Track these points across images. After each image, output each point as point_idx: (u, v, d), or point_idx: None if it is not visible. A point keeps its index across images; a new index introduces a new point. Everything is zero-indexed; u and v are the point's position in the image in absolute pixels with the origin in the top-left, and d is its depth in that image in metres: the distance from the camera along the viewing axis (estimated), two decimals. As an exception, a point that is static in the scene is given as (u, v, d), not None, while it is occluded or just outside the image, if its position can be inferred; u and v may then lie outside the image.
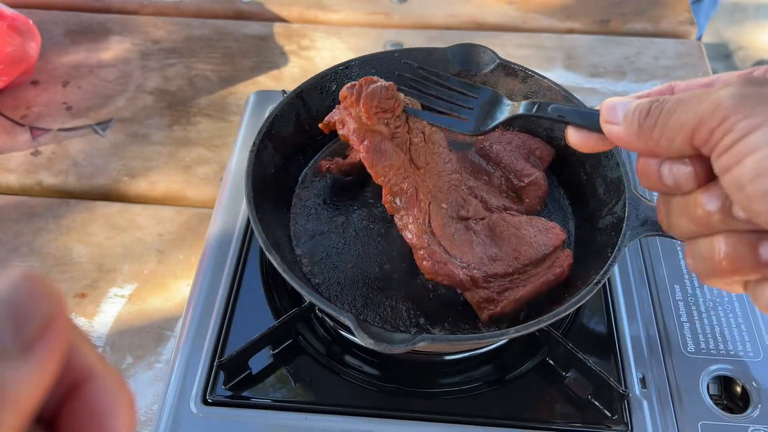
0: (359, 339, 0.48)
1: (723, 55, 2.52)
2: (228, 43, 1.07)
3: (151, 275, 0.78)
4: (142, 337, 0.72)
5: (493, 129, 0.53)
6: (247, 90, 0.98)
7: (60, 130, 0.93)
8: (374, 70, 0.71)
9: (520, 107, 0.51)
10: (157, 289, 0.76)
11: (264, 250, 0.53)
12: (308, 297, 0.51)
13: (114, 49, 1.05)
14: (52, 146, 0.91)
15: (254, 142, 0.60)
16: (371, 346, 0.48)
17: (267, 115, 0.79)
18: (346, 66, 0.70)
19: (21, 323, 0.19)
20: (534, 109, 0.49)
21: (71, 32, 1.07)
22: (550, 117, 0.47)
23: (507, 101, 0.54)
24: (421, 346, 0.48)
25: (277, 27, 1.10)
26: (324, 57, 1.04)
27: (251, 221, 0.54)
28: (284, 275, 0.51)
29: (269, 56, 1.05)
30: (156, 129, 0.94)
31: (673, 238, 0.56)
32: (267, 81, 1.01)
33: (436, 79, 0.59)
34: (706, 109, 0.33)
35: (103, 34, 1.07)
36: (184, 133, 0.93)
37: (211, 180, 0.87)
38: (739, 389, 0.60)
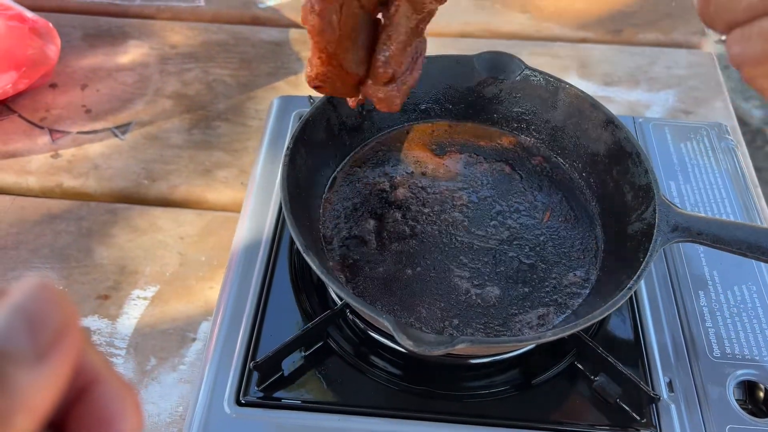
0: (399, 341, 0.49)
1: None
2: (245, 48, 1.07)
3: (173, 277, 0.78)
4: (165, 339, 0.72)
5: None
6: (265, 95, 0.99)
7: (79, 132, 0.93)
8: (402, 77, 0.72)
9: None
10: (179, 291, 0.76)
11: (302, 253, 0.53)
12: (348, 300, 0.51)
13: (132, 53, 1.06)
14: (72, 149, 0.91)
15: (288, 146, 0.61)
16: (411, 348, 0.49)
17: (292, 119, 0.80)
18: (376, 72, 0.70)
19: (37, 330, 0.20)
20: None
21: (89, 36, 1.08)
22: None
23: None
24: (460, 348, 0.49)
25: (293, 33, 1.10)
26: (341, 63, 1.05)
27: (288, 224, 0.55)
28: (323, 277, 0.52)
29: (286, 62, 1.05)
30: (175, 133, 0.94)
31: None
32: (285, 86, 1.01)
33: None
34: None
35: (121, 38, 1.08)
36: (204, 137, 0.94)
37: (231, 183, 0.88)
38: (762, 394, 0.61)
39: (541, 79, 0.71)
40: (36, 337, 0.20)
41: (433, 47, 1.08)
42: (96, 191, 0.87)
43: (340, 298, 0.62)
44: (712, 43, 1.12)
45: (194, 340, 0.72)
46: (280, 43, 1.09)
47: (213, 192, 0.87)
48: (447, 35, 1.11)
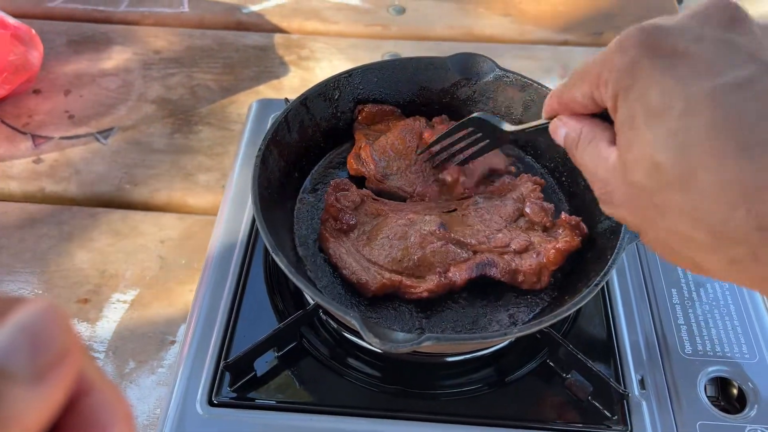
0: (365, 338, 0.49)
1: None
2: (229, 53, 1.08)
3: (153, 281, 0.78)
4: (144, 342, 0.73)
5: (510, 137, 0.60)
6: (247, 99, 0.99)
7: (62, 138, 0.94)
8: (376, 79, 0.72)
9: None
10: (159, 295, 0.77)
11: (270, 251, 0.54)
12: (314, 298, 0.52)
13: (115, 59, 1.06)
14: (54, 154, 0.92)
15: (260, 148, 0.61)
16: (377, 346, 0.49)
17: (270, 122, 0.81)
18: (349, 74, 0.71)
19: (38, 351, 0.20)
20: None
21: (73, 42, 1.08)
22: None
23: (495, 119, 0.61)
24: (426, 345, 0.49)
25: (277, 38, 1.11)
26: (323, 67, 1.05)
27: (257, 223, 0.55)
28: (290, 276, 0.52)
29: (269, 66, 1.06)
30: (157, 137, 0.95)
31: None
32: (267, 90, 1.02)
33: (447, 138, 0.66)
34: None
35: (105, 43, 1.09)
36: (186, 142, 0.94)
37: (212, 187, 0.88)
38: (735, 391, 0.62)
39: (513, 80, 0.71)
40: (36, 358, 0.20)
41: (416, 51, 1.09)
42: (78, 196, 0.88)
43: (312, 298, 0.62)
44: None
45: (173, 343, 0.72)
46: (264, 48, 1.09)
47: (194, 196, 0.87)
48: (430, 39, 1.12)
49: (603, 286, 0.67)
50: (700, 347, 0.63)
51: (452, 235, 0.62)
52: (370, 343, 0.49)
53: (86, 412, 0.22)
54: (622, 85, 0.37)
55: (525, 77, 0.71)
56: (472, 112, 0.74)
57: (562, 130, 0.45)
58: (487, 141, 0.62)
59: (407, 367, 0.63)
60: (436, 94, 0.75)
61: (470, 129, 0.62)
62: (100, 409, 0.22)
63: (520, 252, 0.61)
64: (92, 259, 0.80)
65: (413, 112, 0.75)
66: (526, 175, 0.67)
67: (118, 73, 1.04)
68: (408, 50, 1.08)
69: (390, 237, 0.61)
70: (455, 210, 0.66)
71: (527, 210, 0.64)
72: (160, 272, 0.79)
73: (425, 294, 0.59)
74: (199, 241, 0.81)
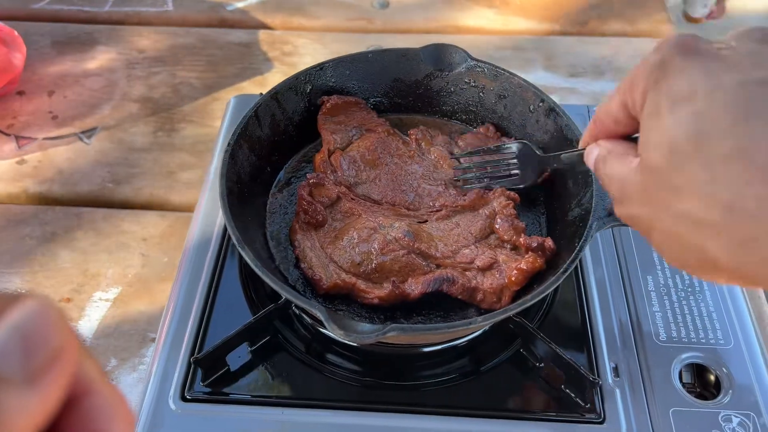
0: (330, 330, 0.49)
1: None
2: (212, 51, 1.08)
3: (135, 279, 0.78)
4: (126, 339, 0.73)
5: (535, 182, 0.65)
6: (230, 96, 0.99)
7: (45, 138, 0.94)
8: (348, 71, 0.72)
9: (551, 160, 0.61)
10: (141, 293, 0.77)
11: (236, 245, 0.54)
12: (280, 291, 0.52)
13: (99, 59, 1.07)
14: (38, 155, 0.92)
15: (229, 143, 0.61)
16: (342, 338, 0.49)
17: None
18: (321, 67, 0.71)
19: (31, 352, 0.20)
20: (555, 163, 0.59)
21: (57, 43, 1.09)
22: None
23: (536, 151, 0.63)
24: (391, 336, 0.49)
25: (261, 34, 1.11)
26: (306, 62, 1.05)
27: (224, 218, 0.55)
28: (255, 269, 0.52)
29: (253, 63, 1.06)
30: (140, 136, 0.95)
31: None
32: (250, 87, 1.02)
33: (483, 153, 0.68)
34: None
35: (89, 44, 1.09)
36: (168, 140, 0.94)
37: (195, 185, 0.88)
38: (712, 377, 0.61)
39: (486, 70, 0.71)
40: (29, 360, 0.20)
41: (400, 44, 1.09)
42: (61, 196, 0.88)
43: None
44: (678, 31, 1.11)
45: (154, 340, 0.72)
46: (247, 45, 1.09)
47: (176, 194, 0.88)
48: (414, 32, 1.12)
49: (579, 274, 0.67)
50: (674, 334, 0.63)
51: (417, 245, 0.61)
52: (335, 334, 0.49)
53: (86, 413, 0.22)
54: (652, 79, 0.38)
55: (497, 67, 0.70)
56: (446, 104, 0.75)
57: (595, 151, 0.46)
58: (518, 173, 0.65)
59: (383, 359, 0.63)
60: (410, 86, 0.75)
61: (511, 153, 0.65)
62: (100, 409, 0.22)
63: (484, 269, 0.60)
64: (75, 259, 0.81)
65: (387, 105, 0.75)
66: (500, 189, 0.66)
67: (102, 73, 1.04)
68: (392, 44, 1.08)
69: (355, 238, 0.61)
70: (427, 221, 0.65)
71: (497, 226, 0.63)
72: (142, 270, 0.79)
73: (376, 301, 0.59)
74: (180, 238, 0.81)
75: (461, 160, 0.68)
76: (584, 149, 0.48)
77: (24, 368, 0.20)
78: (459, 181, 0.68)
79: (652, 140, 0.37)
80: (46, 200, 0.88)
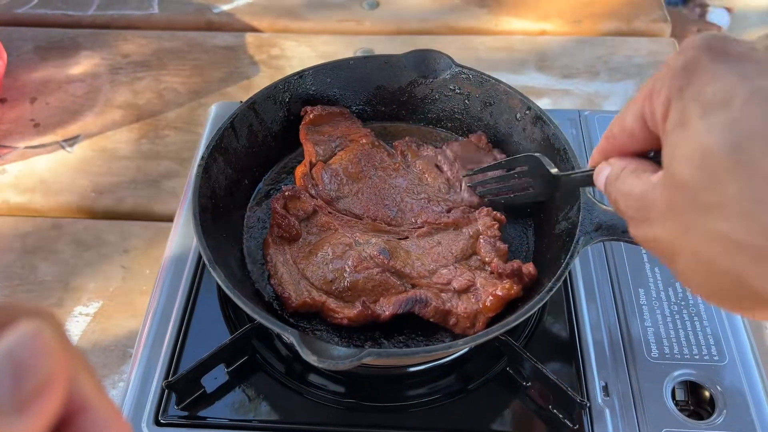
0: (303, 355, 0.47)
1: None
2: (198, 55, 1.06)
3: (116, 292, 0.77)
4: (106, 356, 0.71)
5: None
6: (216, 101, 0.97)
7: (27, 147, 0.92)
8: (330, 79, 0.70)
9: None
10: (122, 307, 0.75)
11: (208, 266, 0.52)
12: (251, 313, 0.50)
13: (83, 64, 1.05)
14: (19, 164, 0.90)
15: (202, 156, 0.59)
16: (315, 363, 0.47)
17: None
18: (300, 75, 0.69)
19: (21, 379, 0.20)
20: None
21: (40, 48, 1.07)
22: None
23: (548, 163, 0.57)
24: (369, 360, 0.47)
25: (248, 37, 1.09)
26: (294, 66, 1.03)
27: (195, 237, 0.53)
28: (227, 291, 0.50)
29: (239, 67, 1.04)
30: (124, 143, 0.93)
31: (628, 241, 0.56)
32: (236, 92, 1.00)
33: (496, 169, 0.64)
34: None
35: (73, 49, 1.07)
36: (152, 147, 0.92)
37: (179, 193, 0.86)
38: (707, 393, 0.59)
39: (471, 76, 0.69)
40: (19, 387, 0.19)
41: (390, 46, 1.07)
42: (43, 206, 0.86)
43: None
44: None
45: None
46: (234, 48, 1.07)
47: (160, 203, 0.86)
48: (405, 32, 1.09)
49: (569, 288, 0.65)
50: (667, 350, 0.61)
51: (393, 263, 0.59)
52: (309, 360, 0.47)
53: (80, 430, 0.22)
54: (677, 85, 0.33)
55: (483, 73, 0.68)
56: (431, 111, 0.72)
57: (606, 170, 0.42)
58: (531, 190, 0.59)
59: (366, 380, 0.61)
60: (393, 94, 0.72)
61: (523, 167, 0.60)
62: (95, 426, 0.22)
63: (460, 292, 0.58)
64: (55, 272, 0.79)
65: (370, 113, 0.73)
66: (486, 209, 0.63)
67: (86, 78, 1.02)
68: (382, 45, 1.05)
69: (329, 254, 0.59)
70: (407, 238, 0.63)
71: (479, 247, 0.61)
72: (123, 283, 0.78)
73: (345, 321, 0.56)
74: (163, 249, 0.79)
75: (475, 177, 0.66)
76: (593, 169, 0.44)
77: (13, 395, 0.19)
78: (476, 188, 0.65)
79: (681, 153, 0.33)
80: (27, 211, 0.86)
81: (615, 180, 0.40)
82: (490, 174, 0.64)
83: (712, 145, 0.31)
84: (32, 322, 0.20)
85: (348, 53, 1.04)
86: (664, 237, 0.35)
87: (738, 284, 0.32)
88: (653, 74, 0.36)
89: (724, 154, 0.31)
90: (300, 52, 1.05)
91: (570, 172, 0.53)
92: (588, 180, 0.47)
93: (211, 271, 0.52)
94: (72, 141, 0.93)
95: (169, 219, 0.84)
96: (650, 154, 0.40)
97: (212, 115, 0.83)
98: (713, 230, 0.32)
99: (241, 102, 0.75)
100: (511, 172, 0.61)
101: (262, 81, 1.01)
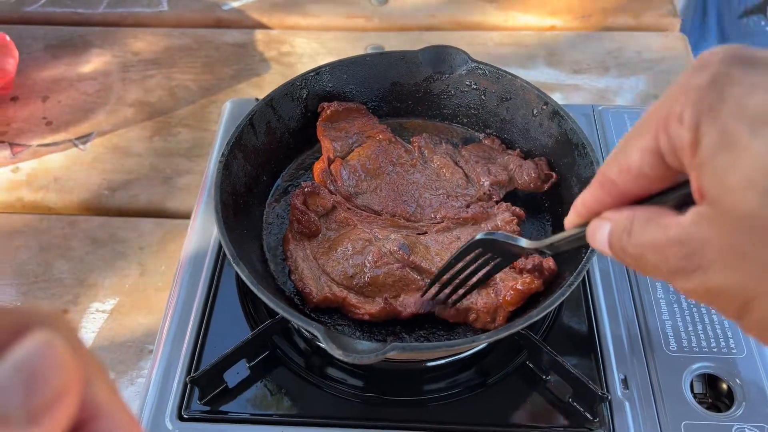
0: (328, 350, 0.47)
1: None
2: (208, 52, 1.06)
3: (132, 289, 0.77)
4: (123, 352, 0.72)
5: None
6: (227, 98, 0.97)
7: (40, 145, 0.93)
8: (346, 76, 0.70)
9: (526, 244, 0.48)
10: (138, 303, 0.75)
11: (231, 262, 0.52)
12: (276, 308, 0.50)
13: (94, 62, 1.05)
14: (32, 162, 0.91)
15: (222, 153, 0.59)
16: (341, 357, 0.47)
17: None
18: (317, 72, 0.69)
19: (32, 391, 0.19)
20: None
21: (51, 47, 1.07)
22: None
23: (509, 237, 0.50)
24: (392, 354, 0.48)
25: (258, 34, 1.09)
26: (305, 62, 1.03)
27: (218, 233, 0.54)
28: (251, 287, 0.51)
29: (249, 64, 1.04)
30: (136, 141, 0.93)
31: None
32: (247, 88, 1.00)
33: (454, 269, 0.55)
34: None
35: (84, 47, 1.07)
36: (165, 144, 0.93)
37: (192, 190, 0.86)
38: (725, 386, 0.59)
39: (487, 72, 0.69)
40: (31, 399, 0.19)
41: (399, 42, 1.07)
42: (56, 204, 0.87)
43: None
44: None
45: (152, 352, 0.71)
46: (243, 45, 1.07)
47: (173, 200, 0.86)
48: (413, 28, 1.09)
49: (587, 283, 0.65)
50: (685, 343, 0.61)
51: (413, 258, 0.59)
52: (334, 354, 0.47)
53: None
54: (707, 104, 0.29)
55: (499, 69, 0.68)
56: (447, 107, 0.72)
57: (604, 227, 0.35)
58: (500, 259, 0.51)
59: (386, 374, 0.61)
60: (409, 90, 0.73)
61: (478, 251, 0.51)
62: None
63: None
64: (71, 269, 0.79)
65: (386, 109, 0.73)
66: (505, 204, 0.63)
67: (97, 76, 1.03)
68: (391, 41, 1.06)
69: (349, 250, 0.59)
70: (426, 233, 0.63)
71: None
72: (139, 280, 0.78)
73: (366, 317, 0.57)
74: (178, 246, 0.79)
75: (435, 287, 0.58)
76: (582, 230, 0.38)
77: (25, 406, 0.19)
78: (443, 301, 0.58)
79: (734, 181, 0.28)
80: (41, 209, 0.86)
81: (629, 236, 0.34)
82: (446, 278, 0.56)
83: None
84: (45, 332, 0.20)
85: (358, 49, 1.05)
86: (729, 285, 0.30)
87: None
88: (659, 98, 0.32)
89: None
90: (310, 49, 1.06)
91: (549, 240, 0.44)
92: (576, 242, 0.40)
93: (235, 266, 0.52)
94: (84, 139, 0.94)
95: (183, 216, 0.84)
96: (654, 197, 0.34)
97: (226, 112, 0.83)
98: None
99: (256, 99, 0.76)
100: (469, 262, 0.53)
101: (272, 78, 1.01)
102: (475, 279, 0.53)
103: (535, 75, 1.00)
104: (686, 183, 0.31)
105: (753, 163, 0.27)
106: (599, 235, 0.36)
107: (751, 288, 0.29)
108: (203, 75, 1.02)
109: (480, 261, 0.51)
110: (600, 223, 0.36)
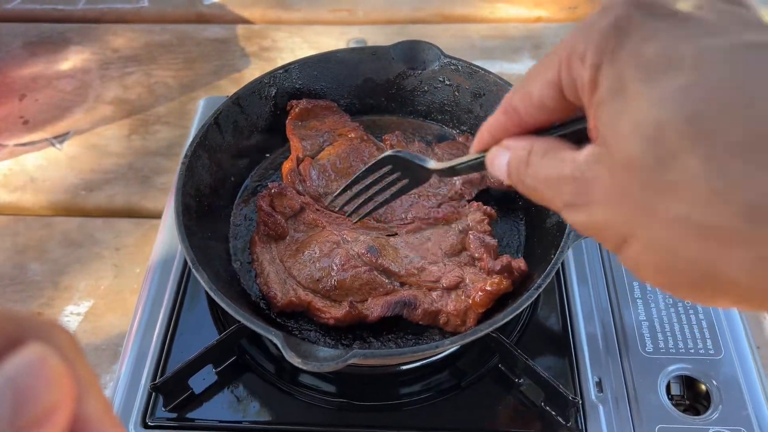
0: (287, 357, 0.46)
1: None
2: (189, 48, 1.05)
3: (107, 291, 0.76)
4: (98, 355, 0.71)
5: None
6: (207, 95, 0.96)
7: (16, 145, 0.91)
8: (316, 72, 0.69)
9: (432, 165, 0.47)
10: (113, 305, 0.74)
11: (192, 268, 0.51)
12: (234, 314, 0.49)
13: (72, 60, 1.03)
14: (9, 162, 0.89)
15: (185, 154, 0.58)
16: (299, 365, 0.46)
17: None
18: (286, 69, 0.68)
19: (21, 407, 0.19)
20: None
21: (30, 44, 1.05)
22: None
23: (415, 157, 0.48)
24: (355, 361, 0.46)
25: (239, 29, 1.08)
26: (285, 57, 1.02)
27: (178, 239, 0.52)
28: (209, 292, 0.49)
29: (230, 59, 1.03)
30: (114, 140, 0.92)
31: None
32: (227, 85, 0.99)
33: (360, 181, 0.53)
34: None
35: (63, 44, 1.06)
36: (143, 143, 0.91)
37: (170, 189, 0.85)
38: (703, 387, 0.58)
39: (460, 68, 0.67)
40: (19, 416, 0.19)
41: (383, 35, 1.05)
42: (33, 205, 0.86)
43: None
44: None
45: (125, 355, 0.70)
46: (224, 41, 1.06)
47: (151, 200, 0.85)
48: (398, 22, 1.08)
49: (561, 282, 0.64)
50: (662, 344, 0.60)
51: (381, 261, 0.58)
52: (293, 362, 0.46)
53: None
54: (608, 48, 0.29)
55: (472, 64, 0.67)
56: (420, 104, 0.71)
57: (503, 156, 0.36)
58: (407, 181, 0.49)
59: (358, 379, 0.60)
60: (382, 86, 0.71)
61: (387, 169, 0.50)
62: None
63: (450, 289, 0.57)
64: (46, 271, 0.78)
65: (359, 106, 0.71)
66: (476, 203, 0.62)
67: (75, 74, 1.01)
68: (375, 35, 1.04)
69: (316, 252, 0.58)
70: (396, 234, 0.61)
71: (469, 243, 0.59)
72: (115, 281, 0.77)
73: (332, 321, 0.55)
74: (154, 247, 0.79)
75: (340, 199, 0.57)
76: (482, 155, 0.38)
77: (12, 423, 0.19)
78: (349, 214, 0.57)
79: (625, 126, 0.29)
80: (17, 210, 0.85)
81: (526, 167, 0.34)
82: (356, 189, 0.54)
83: (664, 115, 0.27)
84: (39, 345, 0.19)
85: (341, 43, 1.03)
86: (611, 222, 0.31)
87: (704, 272, 0.29)
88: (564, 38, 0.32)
89: (679, 125, 0.27)
90: (291, 44, 1.04)
91: (452, 163, 0.44)
92: (477, 167, 0.40)
93: (194, 272, 0.51)
94: (62, 138, 0.93)
95: (161, 215, 0.83)
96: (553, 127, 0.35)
97: (200, 110, 0.81)
98: (673, 214, 0.28)
99: (227, 97, 0.74)
100: (377, 178, 0.50)
101: (252, 74, 1.00)
102: (382, 198, 0.52)
103: (521, 68, 0.98)
104: (585, 118, 0.32)
105: (641, 111, 0.28)
106: (497, 162, 0.36)
107: (629, 226, 0.30)
108: (183, 71, 1.01)
109: (389, 179, 0.50)
110: (499, 150, 0.36)
